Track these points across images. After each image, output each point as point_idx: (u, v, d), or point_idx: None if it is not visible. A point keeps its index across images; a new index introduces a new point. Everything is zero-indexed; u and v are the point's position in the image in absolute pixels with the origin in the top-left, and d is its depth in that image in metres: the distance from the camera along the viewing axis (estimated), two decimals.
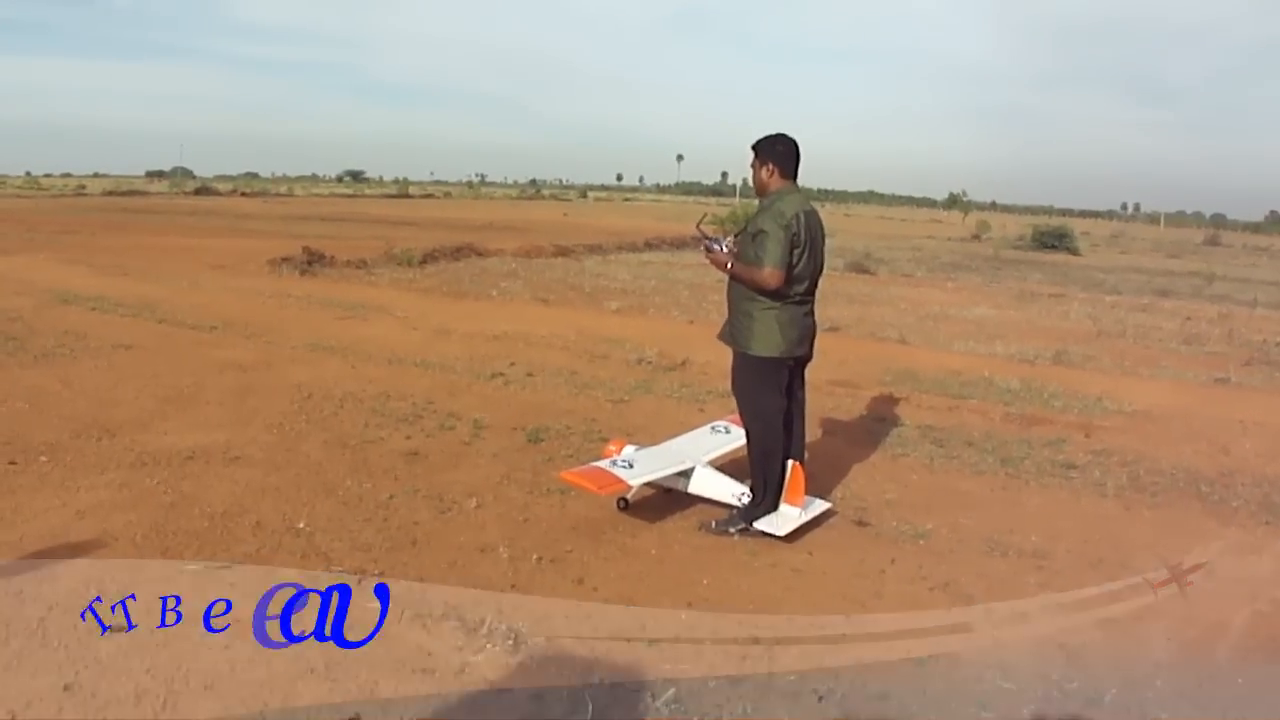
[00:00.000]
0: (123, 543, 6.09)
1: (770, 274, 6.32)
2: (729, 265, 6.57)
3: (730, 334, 6.78)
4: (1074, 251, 46.42)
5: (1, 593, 5.32)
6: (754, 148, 6.64)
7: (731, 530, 6.61)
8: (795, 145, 6.61)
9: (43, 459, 7.75)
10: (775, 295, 6.45)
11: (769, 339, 6.54)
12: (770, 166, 6.56)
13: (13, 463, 7.62)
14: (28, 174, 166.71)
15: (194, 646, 4.77)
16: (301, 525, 6.48)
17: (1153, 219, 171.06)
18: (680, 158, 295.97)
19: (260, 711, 4.27)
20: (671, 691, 4.53)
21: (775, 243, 6.31)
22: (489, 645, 4.88)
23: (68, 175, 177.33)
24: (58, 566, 5.67)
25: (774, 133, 6.66)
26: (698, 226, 7.33)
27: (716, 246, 6.67)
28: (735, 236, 6.76)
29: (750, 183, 6.74)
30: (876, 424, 9.83)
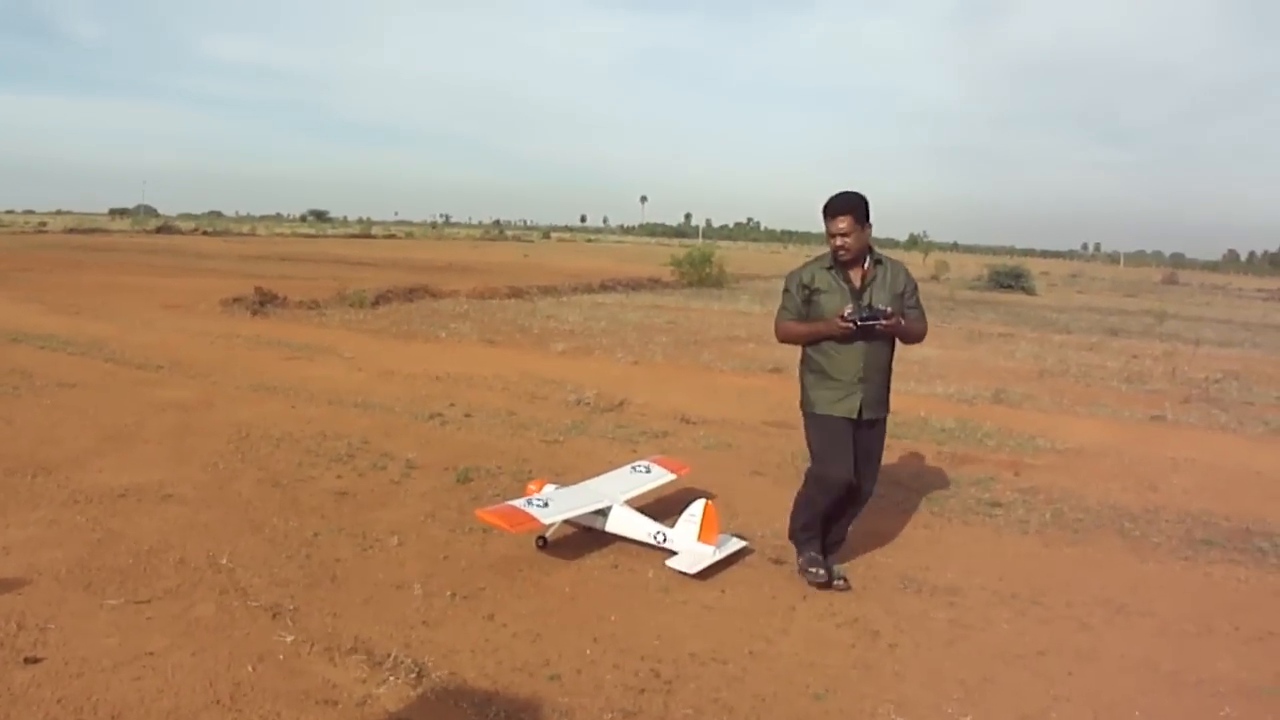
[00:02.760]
0: (46, 578, 6.20)
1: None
2: (901, 322, 6.21)
3: (885, 403, 6.55)
4: (1030, 291, 46.90)
5: None
6: (848, 210, 6.16)
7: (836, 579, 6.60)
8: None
9: None
10: None
11: None
12: (867, 224, 6.23)
13: None
14: None
15: (106, 678, 4.93)
16: (224, 561, 6.60)
17: (1113, 259, 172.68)
18: (644, 199, 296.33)
19: None
20: None
21: None
22: (392, 678, 5.04)
23: (30, 212, 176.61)
24: None
25: (846, 191, 6.25)
26: (850, 315, 6.15)
27: (868, 314, 6.09)
28: (857, 298, 6.24)
29: (850, 244, 6.16)
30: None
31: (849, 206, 6.16)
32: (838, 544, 6.95)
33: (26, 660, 5.07)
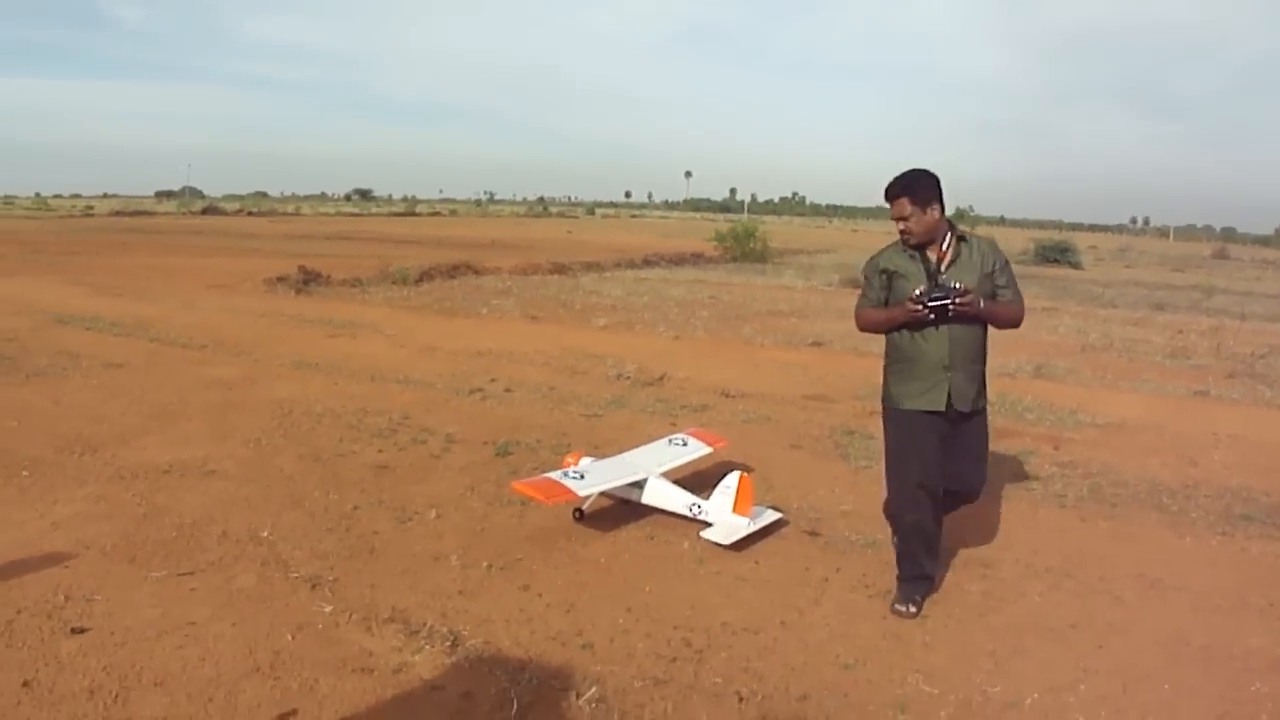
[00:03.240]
0: (93, 552, 6.35)
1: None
2: (981, 304, 5.68)
3: (980, 393, 6.00)
4: (1076, 265, 46.19)
5: None
6: (904, 192, 5.75)
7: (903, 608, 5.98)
8: (938, 176, 5.87)
9: (24, 473, 8.02)
10: None
11: None
12: (934, 204, 5.72)
13: None
14: (37, 195, 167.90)
15: (149, 646, 5.05)
16: (265, 534, 6.73)
17: (1162, 233, 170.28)
18: (689, 174, 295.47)
19: (204, 706, 4.52)
20: (594, 690, 4.76)
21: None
22: (428, 646, 5.13)
23: (77, 196, 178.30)
24: (28, 573, 5.94)
25: (911, 169, 5.84)
26: (919, 296, 5.75)
27: (960, 295, 5.61)
28: (932, 280, 5.75)
29: (912, 226, 5.73)
30: (845, 437, 9.97)
31: (904, 188, 5.75)
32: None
33: (73, 630, 5.21)
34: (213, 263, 30.53)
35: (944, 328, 5.69)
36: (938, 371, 5.76)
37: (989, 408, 6.20)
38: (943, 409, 5.79)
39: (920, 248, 5.81)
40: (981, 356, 5.93)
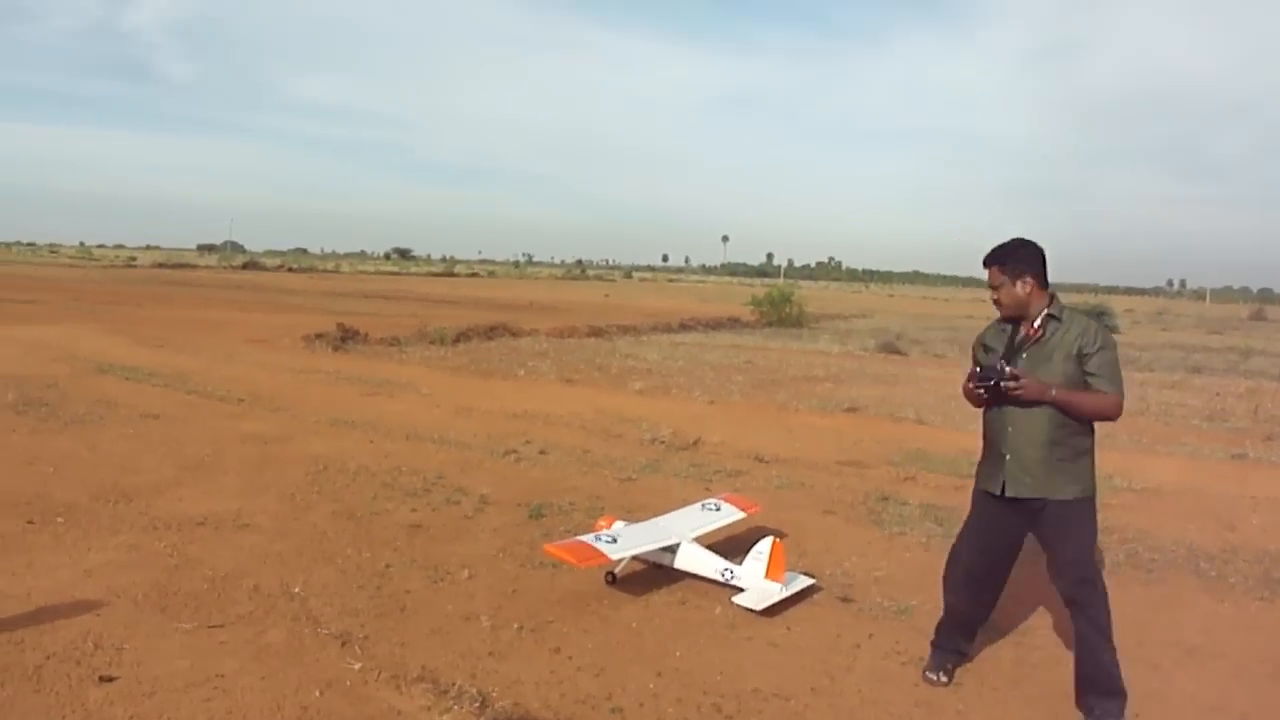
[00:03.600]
0: (124, 601, 6.36)
1: (1122, 400, 5.33)
2: (1052, 391, 5.28)
3: (1054, 482, 5.40)
4: (1113, 329, 45.94)
5: (4, 641, 5.62)
6: (995, 261, 5.52)
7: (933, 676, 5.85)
8: (1041, 248, 5.55)
9: (59, 520, 8.08)
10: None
11: (1093, 474, 5.49)
12: (1027, 279, 5.41)
13: (30, 522, 7.98)
14: (81, 244, 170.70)
15: (177, 698, 5.03)
16: (297, 590, 6.71)
17: (1199, 295, 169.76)
18: (726, 238, 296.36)
19: None
20: None
21: (1118, 362, 5.37)
22: (456, 707, 5.09)
23: (120, 246, 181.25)
24: (60, 619, 5.96)
25: (1011, 239, 5.57)
26: (974, 361, 5.77)
27: (1007, 373, 5.33)
28: (1005, 358, 5.47)
29: (1001, 297, 5.52)
30: (879, 503, 9.90)
31: (998, 256, 5.51)
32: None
33: (102, 679, 5.21)
34: (252, 317, 30.83)
35: (1005, 409, 5.43)
36: (996, 453, 5.55)
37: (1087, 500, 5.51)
38: (998, 492, 5.52)
39: (1014, 321, 5.56)
40: (1051, 442, 5.37)
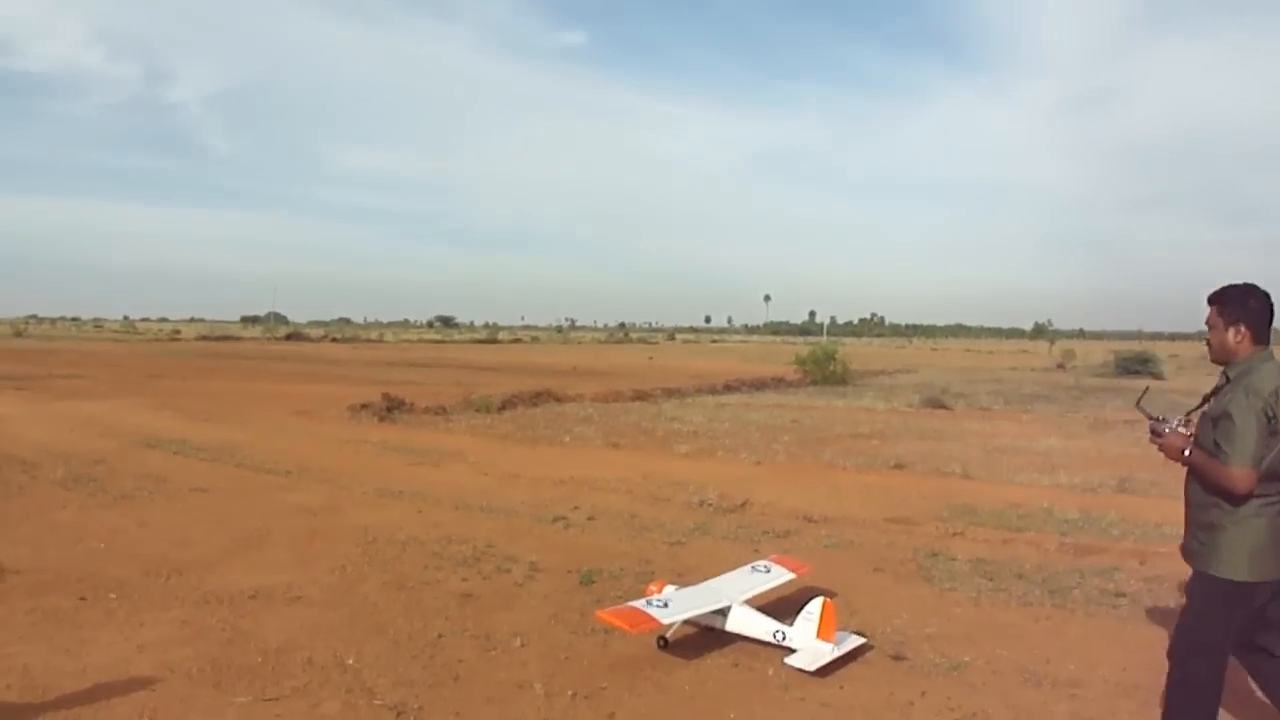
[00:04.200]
0: (178, 676, 6.37)
1: (1240, 476, 4.79)
2: (1185, 453, 5.09)
3: (1189, 547, 5.26)
4: (1158, 375, 45.68)
5: (60, 717, 5.64)
6: (1215, 301, 5.18)
7: None
8: (1270, 301, 5.12)
9: (111, 595, 8.12)
10: (1245, 498, 4.87)
11: (1237, 557, 4.93)
12: (1240, 328, 5.05)
13: (83, 598, 8.02)
14: (125, 318, 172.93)
15: None
16: (350, 661, 6.71)
17: None
18: (768, 298, 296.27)
19: None
20: None
21: (1246, 433, 4.80)
22: None
23: (164, 319, 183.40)
24: (115, 696, 5.98)
25: (1241, 283, 5.15)
26: (1139, 405, 5.84)
27: (1166, 428, 5.23)
28: (1189, 414, 5.32)
29: (1210, 339, 5.26)
30: (928, 559, 9.85)
31: (1218, 296, 5.16)
32: None
33: None
34: (297, 389, 31.03)
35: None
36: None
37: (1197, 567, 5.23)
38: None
39: (1225, 367, 5.19)
40: (1195, 505, 5.19)
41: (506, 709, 5.99)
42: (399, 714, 5.85)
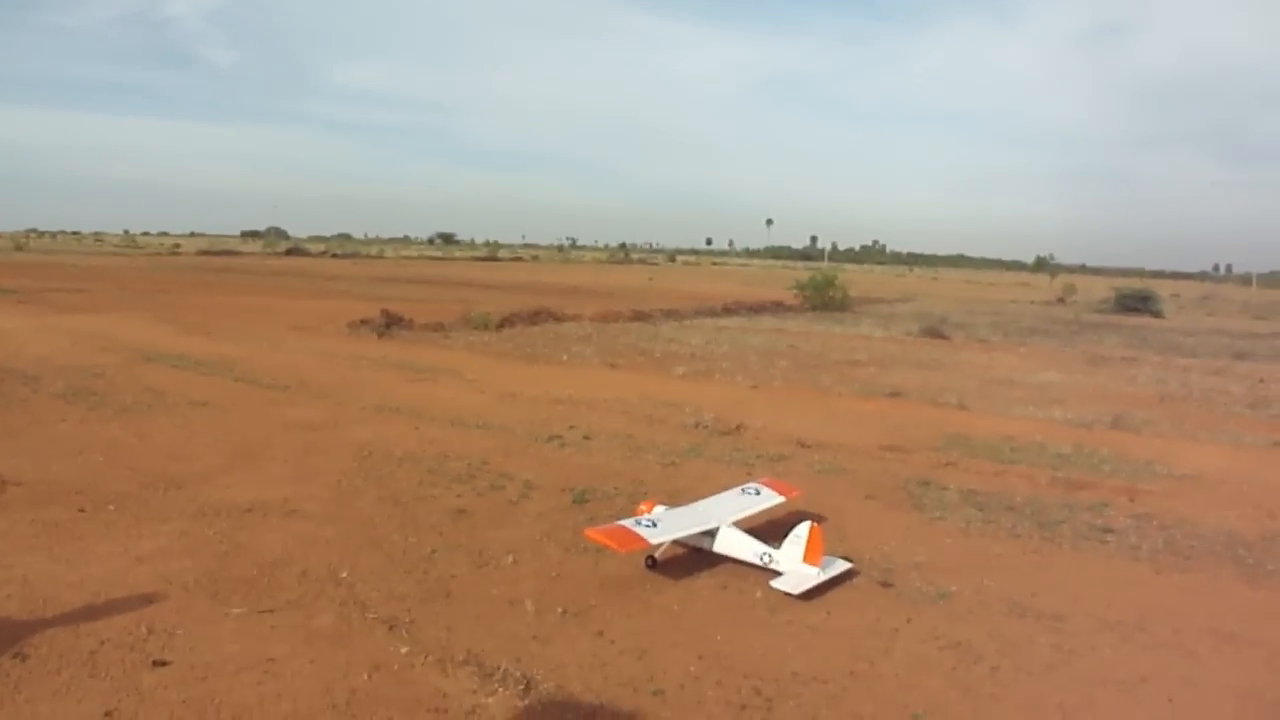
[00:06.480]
0: (176, 587, 6.49)
1: None
2: None
3: None
4: (1157, 314, 45.37)
5: (59, 628, 5.76)
6: None
7: None
8: None
9: (110, 508, 8.23)
10: None
11: None
12: None
13: (82, 510, 8.13)
14: (125, 232, 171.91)
15: (228, 681, 5.15)
16: (345, 575, 6.83)
17: (1245, 280, 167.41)
18: (770, 222, 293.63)
19: None
20: None
21: None
22: (501, 690, 5.18)
23: (164, 234, 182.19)
24: (113, 606, 6.11)
25: None
26: None
27: None
28: None
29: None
30: (920, 488, 9.93)
31: None
32: None
33: (155, 663, 5.34)
34: (297, 304, 31.04)
35: None
36: None
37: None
38: None
39: None
40: None
41: (497, 624, 6.10)
42: (391, 627, 5.96)
